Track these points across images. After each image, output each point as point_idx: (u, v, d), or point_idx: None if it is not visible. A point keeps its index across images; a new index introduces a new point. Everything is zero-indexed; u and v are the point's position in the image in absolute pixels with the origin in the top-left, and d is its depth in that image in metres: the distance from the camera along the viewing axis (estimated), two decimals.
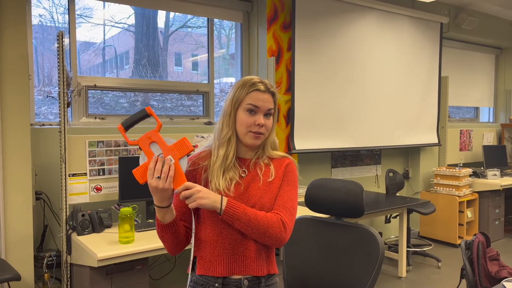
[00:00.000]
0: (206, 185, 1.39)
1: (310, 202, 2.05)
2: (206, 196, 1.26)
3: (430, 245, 4.56)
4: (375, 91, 4.55)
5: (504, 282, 1.49)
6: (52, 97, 3.15)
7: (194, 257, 1.41)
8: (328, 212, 2.05)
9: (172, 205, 1.31)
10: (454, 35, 5.42)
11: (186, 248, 1.45)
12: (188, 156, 1.27)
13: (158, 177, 1.22)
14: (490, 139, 6.09)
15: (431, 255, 4.32)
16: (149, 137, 1.27)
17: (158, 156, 1.24)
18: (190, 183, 1.26)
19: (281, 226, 1.33)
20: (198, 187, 1.27)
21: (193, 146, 1.27)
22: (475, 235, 2.12)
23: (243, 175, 1.41)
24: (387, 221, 4.45)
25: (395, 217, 4.29)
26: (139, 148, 1.28)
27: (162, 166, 1.23)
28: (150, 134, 1.27)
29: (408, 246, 4.11)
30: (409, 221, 4.28)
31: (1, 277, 2.27)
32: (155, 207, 1.29)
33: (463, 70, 5.85)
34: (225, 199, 1.29)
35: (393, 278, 3.91)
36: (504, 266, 2.11)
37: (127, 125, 1.31)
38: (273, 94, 1.40)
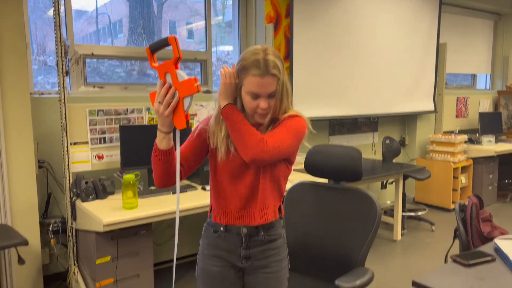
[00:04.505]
0: (216, 148, 1.43)
1: (309, 168, 2.11)
2: (224, 91, 1.37)
3: (425, 209, 4.68)
4: (373, 58, 4.53)
5: (496, 240, 1.57)
6: (49, 66, 3.13)
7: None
8: (327, 176, 2.10)
9: (171, 135, 1.35)
10: (453, 0, 5.35)
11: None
12: (192, 96, 1.28)
13: (160, 102, 1.28)
14: (486, 106, 6.13)
15: (425, 219, 4.44)
16: (165, 66, 1.30)
17: (167, 84, 1.29)
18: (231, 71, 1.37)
19: (261, 142, 1.33)
20: (228, 78, 1.36)
21: (199, 90, 1.27)
22: (469, 197, 2.19)
23: None
24: (383, 187, 4.55)
25: (391, 183, 4.38)
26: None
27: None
28: (166, 64, 1.30)
29: (403, 211, 4.22)
30: (404, 187, 4.37)
31: (9, 242, 2.33)
32: (158, 130, 1.34)
33: (461, 36, 5.81)
34: (229, 105, 1.37)
35: (388, 241, 4.03)
36: (496, 227, 2.19)
37: (153, 49, 1.34)
38: (274, 75, 1.34)
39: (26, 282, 2.76)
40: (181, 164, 1.42)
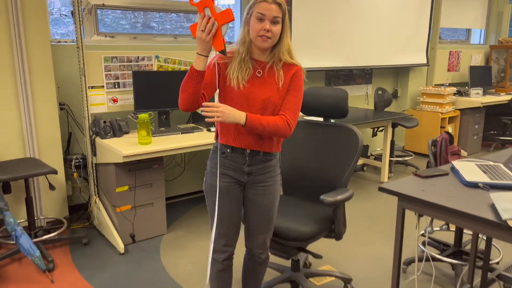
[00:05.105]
0: (227, 78, 1.75)
1: (303, 107, 2.41)
2: (228, 114, 1.64)
3: (411, 155, 5.04)
4: (369, 11, 4.73)
5: (453, 161, 1.90)
6: (65, 15, 3.36)
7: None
8: (318, 114, 2.42)
9: (207, 58, 1.65)
10: None
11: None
12: (228, 24, 1.56)
13: (203, 30, 1.57)
14: (478, 60, 6.36)
15: (411, 164, 4.81)
16: (204, 2, 1.58)
17: (207, 16, 1.58)
18: (211, 103, 1.63)
19: (287, 126, 1.73)
20: (220, 106, 1.63)
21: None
22: (440, 134, 2.52)
23: (258, 75, 1.76)
24: (374, 134, 4.88)
25: (381, 130, 4.71)
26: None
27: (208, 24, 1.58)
28: (204, 0, 1.57)
29: (391, 156, 4.57)
30: (394, 135, 4.71)
31: (41, 171, 2.69)
32: (197, 54, 1.64)
33: None
34: (248, 115, 1.67)
35: (376, 183, 4.42)
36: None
37: None
38: (279, 5, 1.68)
39: (53, 208, 3.15)
40: (204, 94, 1.73)
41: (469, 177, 1.66)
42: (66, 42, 3.27)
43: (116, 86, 3.26)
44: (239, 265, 2.18)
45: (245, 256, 2.02)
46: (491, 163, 1.89)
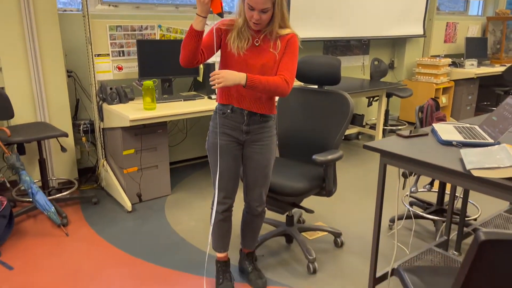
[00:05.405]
0: (228, 44, 1.91)
1: (299, 75, 2.57)
2: (228, 78, 1.79)
3: (404, 124, 5.21)
4: None
5: (433, 124, 2.07)
6: None
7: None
8: (313, 82, 2.58)
9: (205, 19, 1.79)
10: None
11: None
12: None
13: None
14: (474, 31, 6.43)
15: None
16: None
17: None
18: (214, 72, 1.78)
19: (285, 84, 1.88)
20: (221, 72, 1.78)
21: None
22: (427, 101, 2.68)
23: (257, 44, 1.92)
24: (369, 104, 5.05)
25: (376, 100, 4.87)
26: None
27: None
28: None
29: (385, 125, 4.74)
30: (388, 105, 4.86)
31: (53, 133, 2.87)
32: (196, 15, 1.79)
33: None
34: (248, 75, 1.82)
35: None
36: None
37: None
38: None
39: (64, 170, 3.36)
40: (202, 51, 1.88)
41: (445, 136, 1.84)
42: (71, 11, 3.38)
43: (121, 54, 3.40)
44: (240, 222, 2.39)
45: (244, 210, 2.23)
46: (468, 125, 2.07)
